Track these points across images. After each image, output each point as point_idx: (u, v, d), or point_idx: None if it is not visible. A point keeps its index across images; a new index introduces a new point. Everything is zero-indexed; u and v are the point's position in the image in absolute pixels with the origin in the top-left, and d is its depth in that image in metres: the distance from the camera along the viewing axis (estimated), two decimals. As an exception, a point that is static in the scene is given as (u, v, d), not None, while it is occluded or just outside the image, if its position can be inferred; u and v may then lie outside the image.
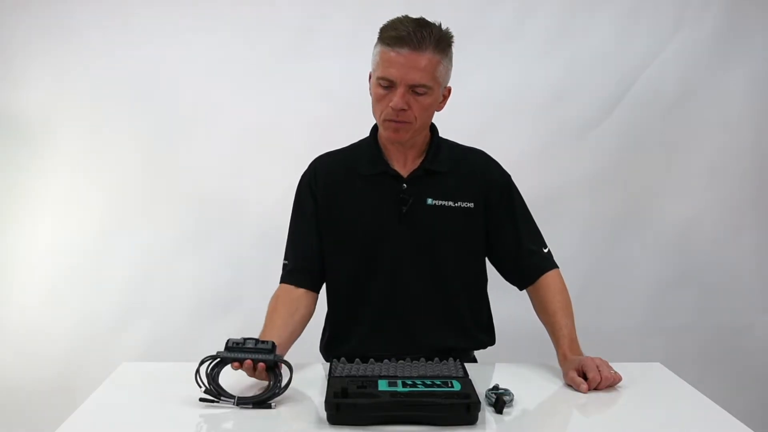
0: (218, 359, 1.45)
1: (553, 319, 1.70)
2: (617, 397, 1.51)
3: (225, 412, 1.40)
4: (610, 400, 1.50)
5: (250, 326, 2.64)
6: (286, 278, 1.78)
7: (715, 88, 2.66)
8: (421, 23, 1.60)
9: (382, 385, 1.40)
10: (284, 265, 1.80)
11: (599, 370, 1.51)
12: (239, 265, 2.67)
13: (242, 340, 1.48)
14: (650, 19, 2.63)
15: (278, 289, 1.77)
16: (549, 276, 1.77)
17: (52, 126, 2.61)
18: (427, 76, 1.60)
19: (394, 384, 1.40)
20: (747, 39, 2.64)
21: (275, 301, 1.73)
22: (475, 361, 1.85)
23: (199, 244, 2.67)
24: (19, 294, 2.65)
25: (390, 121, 1.64)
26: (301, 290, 1.75)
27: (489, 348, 1.84)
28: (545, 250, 1.81)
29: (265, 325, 1.68)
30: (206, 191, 2.66)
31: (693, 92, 2.66)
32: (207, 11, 2.60)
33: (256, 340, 1.48)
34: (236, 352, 1.45)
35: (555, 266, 1.80)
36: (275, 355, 1.45)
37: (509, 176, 1.81)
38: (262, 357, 1.44)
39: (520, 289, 1.82)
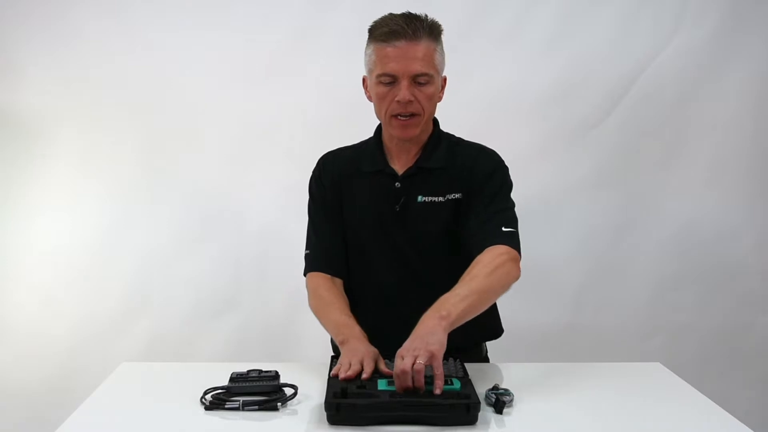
0: (224, 390, 1.45)
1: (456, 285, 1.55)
2: (617, 397, 1.51)
3: (224, 411, 1.40)
4: (611, 400, 1.50)
5: (250, 326, 2.68)
6: (313, 266, 1.79)
7: (715, 88, 2.65)
8: (410, 16, 1.62)
9: (382, 385, 1.40)
10: (306, 255, 1.82)
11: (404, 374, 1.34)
12: (239, 265, 2.67)
13: (246, 372, 1.49)
14: (650, 19, 2.63)
15: (311, 280, 1.78)
16: (490, 248, 1.59)
17: (52, 126, 2.61)
18: (427, 65, 1.61)
19: (393, 383, 1.40)
20: (747, 39, 2.63)
21: (322, 293, 1.73)
22: (487, 359, 1.85)
23: (199, 244, 2.67)
24: (19, 294, 2.65)
25: (397, 117, 1.64)
26: (336, 279, 1.77)
27: (498, 345, 1.83)
28: (504, 229, 1.62)
29: (331, 320, 1.68)
30: (206, 191, 2.66)
31: (693, 92, 2.65)
32: (207, 11, 2.60)
33: (260, 371, 1.49)
34: (240, 381, 1.46)
35: (504, 243, 1.60)
36: (279, 381, 1.47)
37: (498, 165, 1.72)
38: (267, 384, 1.45)
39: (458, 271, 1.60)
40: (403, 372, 1.34)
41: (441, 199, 1.71)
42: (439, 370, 1.36)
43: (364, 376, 1.44)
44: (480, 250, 1.59)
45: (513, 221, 1.67)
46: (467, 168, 1.72)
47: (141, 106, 2.62)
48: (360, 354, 1.50)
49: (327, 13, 2.61)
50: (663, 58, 2.64)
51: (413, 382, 1.35)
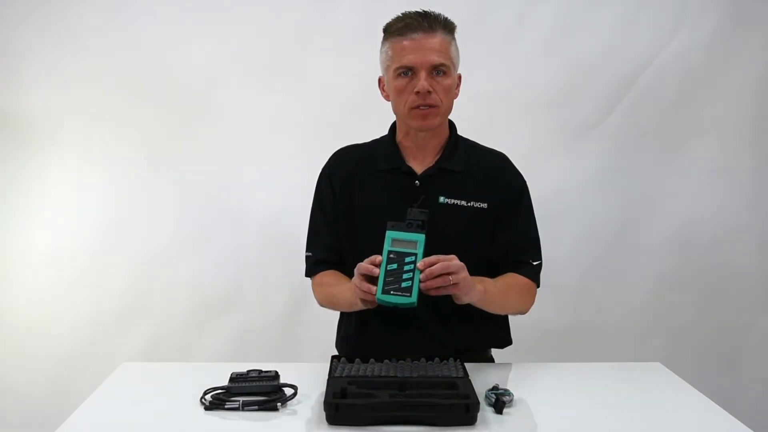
0: (224, 390, 1.45)
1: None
2: (617, 397, 1.52)
3: (224, 411, 1.40)
4: (610, 400, 1.50)
5: (250, 326, 2.68)
6: (315, 269, 1.80)
7: (715, 88, 2.65)
8: (424, 11, 1.65)
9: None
10: (308, 257, 1.82)
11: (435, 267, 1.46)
12: (239, 265, 2.67)
13: (246, 372, 1.49)
14: (650, 19, 2.62)
15: (315, 280, 1.80)
16: (523, 277, 1.74)
17: (52, 126, 2.61)
18: (444, 56, 1.63)
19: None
20: (747, 39, 2.63)
21: (326, 283, 1.76)
22: (492, 360, 1.85)
23: (199, 244, 2.67)
24: (19, 294, 2.65)
25: (417, 108, 1.65)
26: None
27: (507, 348, 1.84)
28: (534, 263, 1.76)
29: (340, 294, 1.69)
30: (206, 191, 2.66)
31: (693, 92, 2.65)
32: (207, 10, 2.60)
33: (260, 371, 1.50)
34: (240, 382, 1.46)
35: (531, 278, 1.75)
36: (279, 381, 1.47)
37: (524, 182, 1.79)
38: (267, 384, 1.45)
39: None
40: (445, 267, 1.46)
41: (464, 203, 1.72)
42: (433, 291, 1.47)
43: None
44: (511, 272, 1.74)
45: (540, 250, 1.79)
46: (492, 178, 1.75)
47: (141, 105, 2.62)
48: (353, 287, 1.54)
49: (327, 13, 2.61)
50: (663, 58, 2.63)
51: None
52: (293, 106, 2.63)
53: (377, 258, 1.48)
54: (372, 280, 1.47)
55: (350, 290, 1.58)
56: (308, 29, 2.62)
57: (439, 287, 1.47)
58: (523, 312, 1.77)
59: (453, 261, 1.48)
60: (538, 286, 1.77)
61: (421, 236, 1.50)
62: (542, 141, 2.66)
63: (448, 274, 1.47)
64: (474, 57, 2.51)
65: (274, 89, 2.62)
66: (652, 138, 2.67)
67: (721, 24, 2.62)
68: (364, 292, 1.48)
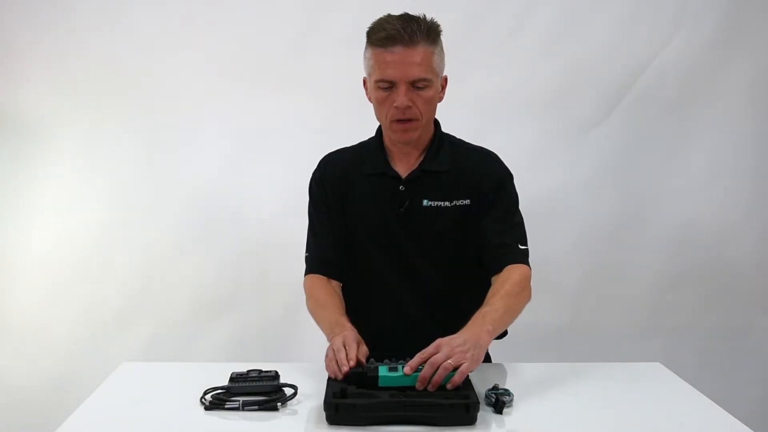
0: (224, 390, 1.45)
1: (488, 299, 1.62)
2: (617, 397, 1.52)
3: (224, 411, 1.40)
4: (611, 400, 1.50)
5: (250, 326, 2.68)
6: (312, 269, 1.80)
7: (715, 87, 2.65)
8: (407, 18, 1.61)
9: (383, 371, 1.40)
10: (306, 257, 1.82)
11: (436, 366, 1.39)
12: (239, 265, 2.67)
13: (246, 372, 1.49)
14: (650, 19, 2.62)
15: (309, 281, 1.78)
16: (511, 267, 1.67)
17: (52, 126, 2.61)
18: (425, 70, 1.60)
19: (395, 370, 1.40)
20: (747, 39, 2.63)
21: (318, 294, 1.74)
22: (489, 359, 1.84)
23: (199, 245, 2.67)
24: (20, 294, 2.64)
25: (397, 122, 1.64)
26: (333, 281, 1.78)
27: (498, 345, 1.83)
28: (521, 247, 1.71)
29: (325, 320, 1.67)
30: (206, 192, 2.66)
31: (693, 92, 2.65)
32: (208, 12, 2.60)
33: (260, 371, 1.50)
34: (240, 381, 1.46)
35: (523, 262, 1.70)
36: (279, 381, 1.48)
37: (507, 174, 1.77)
38: (267, 384, 1.46)
39: (488, 278, 1.72)
40: (433, 365, 1.38)
41: (447, 204, 1.71)
42: (459, 378, 1.38)
43: (351, 363, 1.43)
44: (500, 265, 1.67)
45: (526, 237, 1.74)
46: (474, 174, 1.73)
47: (141, 106, 2.62)
48: (340, 340, 1.50)
49: (327, 14, 2.61)
50: (663, 58, 2.64)
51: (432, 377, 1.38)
52: (293, 107, 2.62)
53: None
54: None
55: (325, 326, 1.62)
56: (308, 30, 2.62)
57: (448, 378, 1.39)
58: (529, 301, 1.70)
59: (438, 352, 1.41)
60: (530, 268, 1.71)
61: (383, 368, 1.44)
62: (542, 141, 2.66)
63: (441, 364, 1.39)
64: (474, 57, 2.54)
65: (274, 90, 2.62)
66: (652, 138, 2.67)
67: (721, 24, 2.62)
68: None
